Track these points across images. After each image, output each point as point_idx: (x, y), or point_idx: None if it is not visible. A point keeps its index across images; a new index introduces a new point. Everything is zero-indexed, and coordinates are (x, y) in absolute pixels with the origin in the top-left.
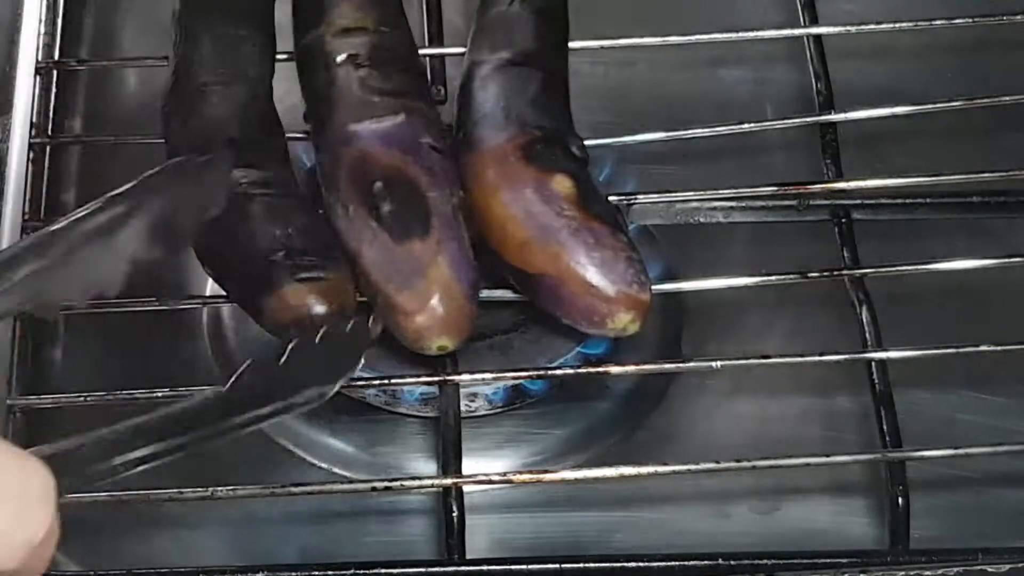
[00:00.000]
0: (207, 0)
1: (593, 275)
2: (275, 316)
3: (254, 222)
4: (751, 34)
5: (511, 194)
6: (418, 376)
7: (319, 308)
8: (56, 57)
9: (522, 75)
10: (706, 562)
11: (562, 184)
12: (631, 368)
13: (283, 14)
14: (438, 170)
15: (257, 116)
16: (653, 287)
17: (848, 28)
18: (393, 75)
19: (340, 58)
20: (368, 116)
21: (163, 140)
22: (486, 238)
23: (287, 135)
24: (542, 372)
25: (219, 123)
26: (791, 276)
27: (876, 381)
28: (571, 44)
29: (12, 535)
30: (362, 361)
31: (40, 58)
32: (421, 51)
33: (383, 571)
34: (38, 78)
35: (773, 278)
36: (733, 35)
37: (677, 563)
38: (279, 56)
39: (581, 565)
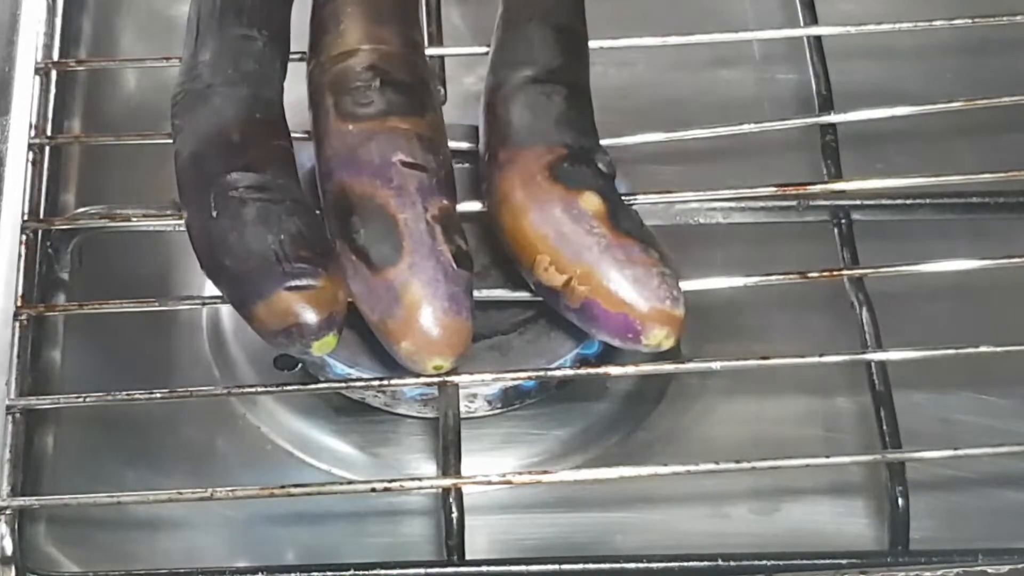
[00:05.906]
0: (220, 1)
1: (626, 292)
2: (264, 323)
3: (247, 227)
4: (751, 34)
5: (540, 214)
6: (417, 377)
7: (308, 316)
8: (56, 57)
9: (546, 91)
10: (706, 563)
11: (590, 202)
12: (631, 369)
13: (297, 15)
14: (412, 186)
15: (262, 118)
16: None
17: (848, 28)
18: (371, 95)
19: (321, 90)
20: (343, 146)
21: (168, 140)
22: (516, 257)
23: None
24: (542, 373)
25: (222, 124)
26: (791, 276)
27: (876, 382)
28: None
29: None
30: None
31: (40, 58)
32: None
33: (383, 571)
34: (38, 78)
35: (773, 278)
36: (733, 35)
37: (677, 563)
38: (292, 56)
39: (581, 566)
